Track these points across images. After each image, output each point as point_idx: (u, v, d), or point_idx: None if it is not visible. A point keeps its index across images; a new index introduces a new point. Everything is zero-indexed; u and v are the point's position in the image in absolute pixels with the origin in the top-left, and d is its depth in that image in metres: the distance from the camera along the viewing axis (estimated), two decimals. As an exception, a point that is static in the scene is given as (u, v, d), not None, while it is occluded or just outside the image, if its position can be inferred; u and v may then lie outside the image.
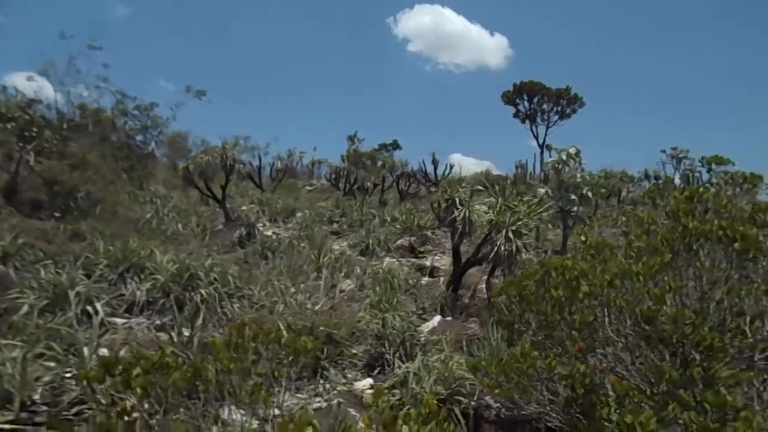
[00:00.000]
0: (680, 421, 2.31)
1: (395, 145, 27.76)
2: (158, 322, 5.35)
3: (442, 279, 8.85)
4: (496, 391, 3.01)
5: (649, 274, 2.68)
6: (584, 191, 11.14)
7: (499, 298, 3.52)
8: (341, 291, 7.53)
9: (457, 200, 7.49)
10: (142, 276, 5.98)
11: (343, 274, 8.56)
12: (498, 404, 3.85)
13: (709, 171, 4.46)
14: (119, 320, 5.23)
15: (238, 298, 5.91)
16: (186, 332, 4.56)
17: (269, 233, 11.75)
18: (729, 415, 2.35)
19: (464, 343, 5.42)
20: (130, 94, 14.48)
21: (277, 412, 2.74)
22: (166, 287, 5.70)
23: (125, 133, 14.76)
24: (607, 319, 2.76)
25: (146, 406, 2.07)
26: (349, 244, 11.22)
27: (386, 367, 4.75)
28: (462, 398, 3.87)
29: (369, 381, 4.56)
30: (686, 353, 2.55)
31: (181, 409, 2.27)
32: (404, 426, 1.64)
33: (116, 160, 12.51)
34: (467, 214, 7.21)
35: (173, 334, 4.56)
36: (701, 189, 3.29)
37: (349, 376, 4.71)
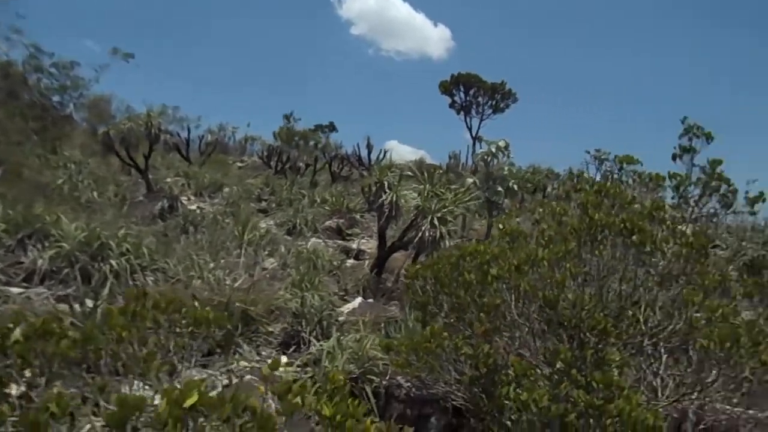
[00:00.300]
0: (571, 399, 2.43)
1: (331, 127, 27.49)
2: (61, 293, 5.01)
3: (367, 262, 8.90)
4: (406, 370, 3.06)
5: (554, 260, 2.80)
6: (510, 184, 11.53)
7: (415, 280, 3.58)
8: (264, 269, 7.40)
9: (386, 184, 7.52)
10: (46, 243, 5.58)
11: (267, 252, 8.41)
12: (409, 383, 3.92)
13: (620, 170, 4.75)
14: (15, 290, 4.86)
15: (153, 271, 5.66)
16: (90, 304, 4.31)
17: (193, 207, 11.35)
18: (614, 393, 2.51)
19: (383, 325, 5.49)
20: (47, 49, 13.37)
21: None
22: (72, 256, 5.35)
23: (39, 92, 13.65)
24: (513, 303, 2.87)
25: (28, 375, 1.94)
26: (276, 223, 11.02)
27: (302, 346, 4.72)
28: (374, 377, 3.90)
29: (284, 358, 4.51)
30: (582, 336, 2.69)
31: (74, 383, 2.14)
32: (298, 397, 1.62)
33: (26, 119, 11.56)
34: (394, 199, 7.26)
35: (76, 305, 4.29)
36: (608, 185, 3.47)
37: (263, 353, 4.64)
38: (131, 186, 12.18)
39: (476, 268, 3.10)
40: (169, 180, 13.60)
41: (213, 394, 1.95)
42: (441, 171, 16.77)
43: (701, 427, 3.85)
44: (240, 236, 8.56)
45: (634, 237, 3.15)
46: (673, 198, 4.45)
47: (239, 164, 20.54)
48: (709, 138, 4.35)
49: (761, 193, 4.36)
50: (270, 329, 4.96)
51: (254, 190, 14.09)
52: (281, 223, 10.91)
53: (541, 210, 4.01)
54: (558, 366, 2.54)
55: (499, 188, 10.94)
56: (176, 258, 6.16)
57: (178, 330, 2.38)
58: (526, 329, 2.91)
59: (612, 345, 3.46)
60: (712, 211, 4.79)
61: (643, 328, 3.62)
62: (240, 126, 23.35)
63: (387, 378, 3.96)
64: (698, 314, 2.85)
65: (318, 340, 4.64)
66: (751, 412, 4.08)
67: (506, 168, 11.81)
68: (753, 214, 4.62)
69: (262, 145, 21.12)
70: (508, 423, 2.75)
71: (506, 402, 2.54)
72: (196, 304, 4.65)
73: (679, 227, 4.53)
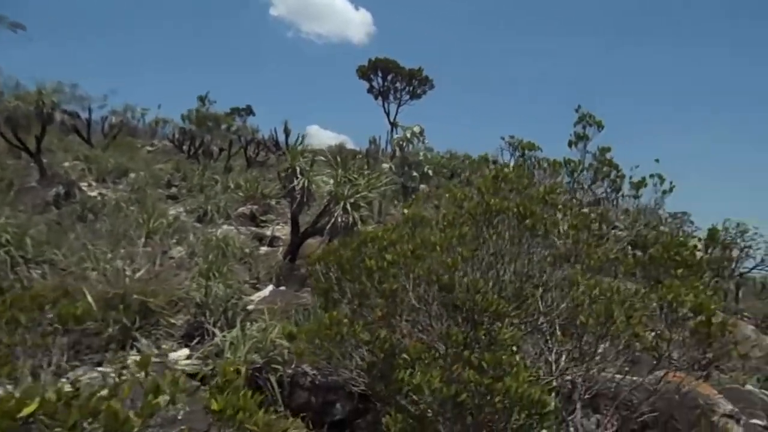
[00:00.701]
0: (462, 379, 2.50)
1: (248, 111, 26.64)
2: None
3: (281, 249, 8.74)
4: (305, 357, 3.02)
5: (449, 245, 2.85)
6: (426, 169, 11.73)
7: (317, 265, 3.53)
8: (171, 258, 7.07)
9: (298, 170, 7.39)
10: None
11: (174, 240, 8.04)
12: (314, 371, 3.89)
13: (522, 155, 4.97)
14: None
15: (39, 263, 5.22)
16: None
17: (94, 194, 10.61)
18: (504, 371, 2.61)
19: (293, 312, 5.41)
20: None
21: (68, 388, 2.46)
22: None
23: None
24: (411, 288, 2.90)
25: None
26: (186, 210, 10.55)
27: (206, 337, 4.55)
28: (279, 366, 3.84)
29: (185, 351, 4.34)
30: (476, 318, 2.77)
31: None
32: (161, 396, 1.53)
33: None
34: (306, 184, 7.16)
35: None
36: (506, 170, 3.59)
37: (164, 346, 4.43)
38: (21, 170, 11.15)
39: (376, 254, 3.10)
40: (66, 164, 12.61)
41: (104, 393, 1.81)
42: (360, 156, 16.77)
43: (589, 395, 4.11)
44: (145, 224, 8.11)
45: (527, 221, 3.28)
46: (568, 183, 4.71)
47: (149, 148, 19.42)
48: (600, 126, 4.64)
49: (643, 179, 4.74)
50: (172, 321, 4.74)
51: (164, 176, 13.39)
52: (192, 210, 10.46)
53: (447, 195, 4.08)
54: (451, 348, 2.60)
55: (415, 173, 11.10)
56: (68, 248, 5.73)
57: (49, 328, 2.19)
58: (424, 313, 2.96)
59: (511, 325, 3.62)
60: (603, 195, 5.12)
61: (540, 307, 3.81)
62: (151, 108, 21.95)
63: (293, 366, 3.91)
64: (583, 293, 3.01)
65: (222, 331, 4.49)
66: (635, 378, 4.42)
67: (422, 153, 11.99)
68: (637, 197, 5.01)
69: (174, 128, 20.07)
70: (410, 406, 2.79)
71: (403, 386, 2.57)
72: (89, 298, 4.36)
73: (575, 209, 4.78)
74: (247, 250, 7.96)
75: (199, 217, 10.03)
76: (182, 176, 13.57)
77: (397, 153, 12.41)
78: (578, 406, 3.71)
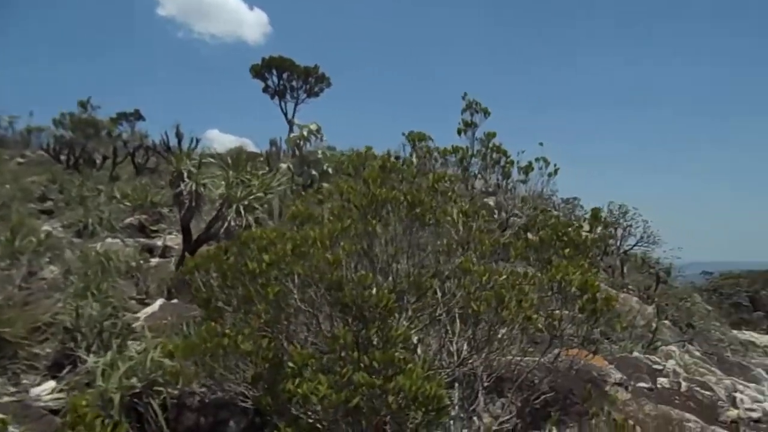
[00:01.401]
0: (353, 383, 2.33)
1: (137, 115, 24.89)
2: None
3: (173, 259, 8.14)
4: (182, 377, 2.71)
5: (332, 240, 2.67)
6: (325, 167, 11.49)
7: (197, 274, 3.21)
8: (42, 279, 6.33)
9: (184, 173, 6.88)
10: None
11: (47, 259, 7.21)
12: (203, 389, 3.55)
13: (413, 146, 4.91)
14: None
15: None
16: None
17: (-56, 213, 9.30)
18: (399, 369, 2.47)
19: (183, 326, 4.99)
20: None
21: None
22: None
23: None
24: (296, 289, 2.68)
25: None
26: (63, 225, 9.56)
27: (79, 365, 4.04)
28: (162, 388, 3.46)
29: (51, 384, 3.81)
30: (366, 315, 2.61)
31: None
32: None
33: None
34: (194, 188, 6.68)
35: None
36: (391, 160, 3.47)
37: (25, 381, 3.87)
38: None
39: (257, 256, 2.85)
40: None
41: None
42: (261, 159, 16.19)
43: (492, 380, 4.12)
44: (9, 243, 7.20)
45: (417, 210, 3.18)
46: (460, 171, 4.73)
47: (19, 160, 17.51)
48: (486, 113, 4.70)
49: (530, 163, 4.86)
50: (35, 351, 4.16)
51: (36, 189, 12.09)
52: (69, 225, 9.50)
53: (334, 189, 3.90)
54: (340, 350, 2.42)
55: (314, 172, 10.82)
56: None
57: None
58: (311, 315, 2.76)
59: (409, 318, 3.52)
60: (496, 182, 5.21)
61: (439, 297, 3.74)
62: (21, 115, 19.78)
63: (179, 387, 3.55)
64: (473, 281, 2.96)
65: (97, 356, 4.00)
66: (535, 358, 4.50)
67: (320, 151, 11.74)
68: (524, 182, 5.14)
69: (50, 136, 18.24)
70: (303, 417, 2.58)
71: (290, 397, 2.35)
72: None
73: (467, 198, 4.79)
74: (133, 264, 7.30)
75: (79, 232, 9.11)
76: (59, 188, 12.33)
77: (296, 152, 12.07)
78: (480, 394, 3.69)
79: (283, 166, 10.97)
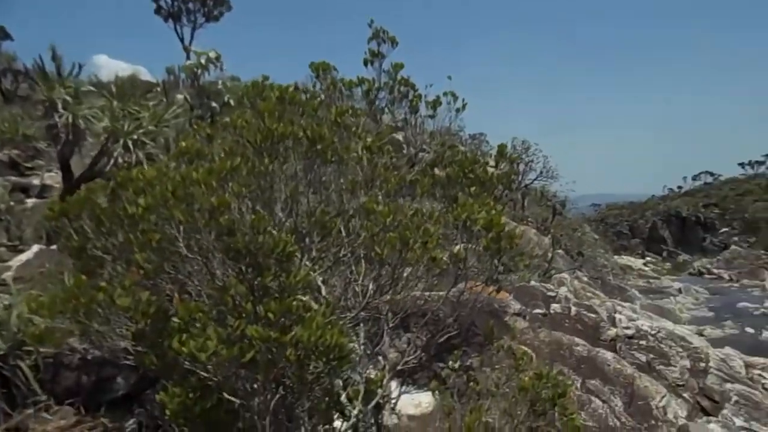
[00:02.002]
0: (247, 338, 2.14)
1: (3, 34, 21.71)
2: None
3: (54, 200, 7.34)
4: (47, 337, 2.38)
5: (219, 180, 2.39)
6: (227, 99, 10.72)
7: (66, 219, 2.80)
8: None
9: (59, 103, 6.06)
10: None
11: None
12: (84, 346, 3.22)
13: (317, 77, 4.58)
14: None
15: None
16: None
17: None
18: (299, 318, 2.31)
19: (66, 276, 4.51)
20: None
21: None
22: None
23: None
24: (180, 236, 2.39)
25: None
26: None
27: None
28: (32, 348, 3.09)
29: None
30: (261, 262, 2.39)
31: None
32: None
33: None
34: (70, 120, 5.92)
35: None
36: (292, 92, 3.16)
37: None
38: None
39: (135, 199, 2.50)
40: None
41: None
42: (158, 89, 14.81)
43: (399, 317, 4.13)
44: None
45: (318, 146, 2.95)
46: (366, 105, 4.49)
47: None
48: (394, 43, 4.44)
49: (438, 97, 4.72)
50: None
51: None
52: None
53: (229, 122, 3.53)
54: (232, 302, 2.21)
55: (214, 104, 10.05)
56: None
57: None
58: (200, 264, 2.50)
59: (311, 260, 3.35)
60: (403, 117, 5.04)
61: (344, 237, 3.59)
62: None
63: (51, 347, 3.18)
64: (378, 222, 2.82)
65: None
66: (441, 293, 4.56)
67: (221, 82, 10.91)
68: (432, 117, 5.03)
69: None
70: (193, 374, 2.37)
71: (176, 355, 2.13)
72: None
73: (372, 133, 4.59)
74: (2, 206, 6.49)
75: (-67, 170, 7.92)
76: None
77: (194, 82, 11.12)
78: (385, 333, 3.67)
79: (180, 97, 10.08)
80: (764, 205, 51.83)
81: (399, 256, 2.71)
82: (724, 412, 6.09)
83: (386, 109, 4.66)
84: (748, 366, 8.07)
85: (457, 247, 3.13)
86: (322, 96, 4.55)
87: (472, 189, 3.36)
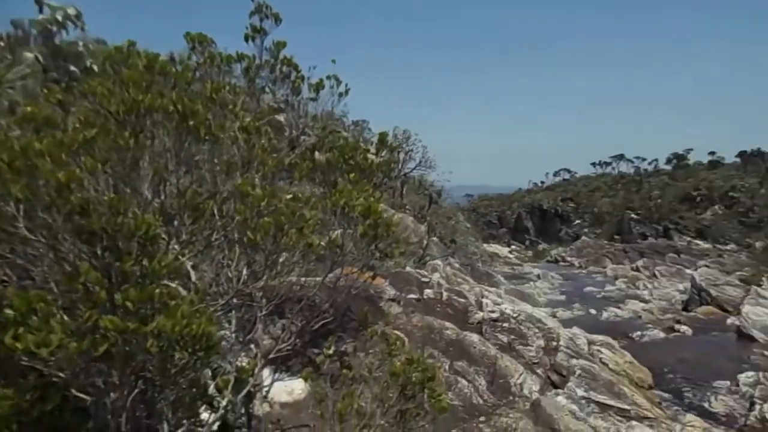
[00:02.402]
0: (101, 330, 1.94)
1: None
2: None
3: None
4: None
5: (70, 153, 2.13)
6: (89, 63, 9.67)
7: None
8: None
9: None
10: None
11: None
12: None
13: (192, 49, 4.27)
14: None
15: None
16: None
17: None
18: (163, 307, 2.15)
19: None
20: None
21: None
22: None
23: None
24: (20, 214, 2.09)
25: None
26: None
27: None
28: None
29: None
30: (121, 246, 2.18)
31: None
32: None
33: None
34: None
35: None
36: (162, 61, 2.91)
37: None
38: None
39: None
40: None
41: None
42: (1, 43, 12.93)
43: (273, 303, 4.03)
44: None
45: (190, 122, 2.75)
46: (246, 83, 4.29)
47: None
48: (277, 19, 4.25)
49: (321, 80, 4.63)
50: None
51: None
52: None
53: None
54: (83, 289, 1.99)
55: (73, 68, 9.01)
56: None
57: None
58: (46, 247, 2.21)
59: (180, 244, 3.13)
60: (284, 97, 4.89)
61: (218, 220, 3.41)
62: None
63: None
64: (252, 206, 2.70)
65: None
66: (318, 278, 4.53)
67: (82, 44, 9.80)
68: (315, 100, 4.94)
69: None
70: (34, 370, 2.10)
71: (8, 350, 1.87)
72: None
73: (251, 113, 4.41)
74: None
75: None
76: None
77: (47, 40, 9.88)
78: (259, 320, 3.57)
79: (29, 56, 8.87)
80: (609, 201, 58.56)
81: (274, 242, 2.63)
82: (570, 384, 6.80)
83: (267, 89, 4.49)
84: (590, 343, 9.09)
85: (335, 233, 3.11)
86: (197, 71, 4.26)
87: (351, 176, 3.36)
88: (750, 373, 9.57)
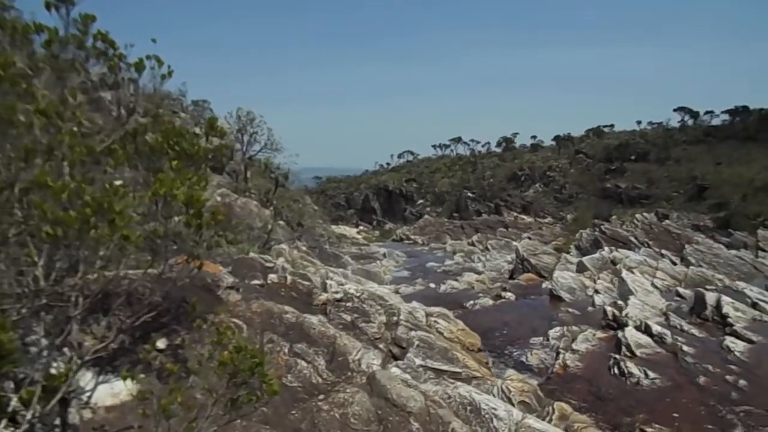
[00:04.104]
0: None
1: None
2: None
3: None
4: None
5: None
6: None
7: None
8: None
9: None
10: None
11: None
12: None
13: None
14: None
15: None
16: None
17: None
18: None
19: None
20: None
21: None
22: None
23: None
24: None
25: None
26: None
27: None
28: None
29: None
30: None
31: None
32: None
33: None
34: None
35: None
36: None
37: None
38: None
39: None
40: None
41: None
42: None
43: (90, 300, 3.72)
44: None
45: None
46: (49, 57, 3.79)
47: None
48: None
49: (141, 60, 4.24)
50: None
51: None
52: None
53: None
54: None
55: None
56: None
57: None
58: None
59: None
60: (100, 76, 4.45)
61: (18, 214, 3.04)
62: None
63: None
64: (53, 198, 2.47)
65: None
66: (149, 270, 4.26)
67: None
68: (135, 81, 4.56)
69: None
70: None
71: None
72: None
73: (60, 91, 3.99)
74: None
75: None
76: None
77: None
78: (74, 320, 3.26)
79: None
80: (449, 181, 63.11)
81: (79, 236, 2.43)
82: (409, 355, 7.29)
83: (77, 66, 4.04)
84: (428, 315, 9.80)
85: (154, 223, 2.97)
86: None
87: (174, 163, 3.21)
88: (557, 329, 11.13)
